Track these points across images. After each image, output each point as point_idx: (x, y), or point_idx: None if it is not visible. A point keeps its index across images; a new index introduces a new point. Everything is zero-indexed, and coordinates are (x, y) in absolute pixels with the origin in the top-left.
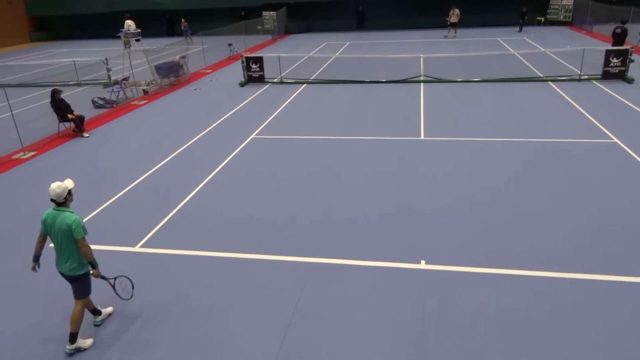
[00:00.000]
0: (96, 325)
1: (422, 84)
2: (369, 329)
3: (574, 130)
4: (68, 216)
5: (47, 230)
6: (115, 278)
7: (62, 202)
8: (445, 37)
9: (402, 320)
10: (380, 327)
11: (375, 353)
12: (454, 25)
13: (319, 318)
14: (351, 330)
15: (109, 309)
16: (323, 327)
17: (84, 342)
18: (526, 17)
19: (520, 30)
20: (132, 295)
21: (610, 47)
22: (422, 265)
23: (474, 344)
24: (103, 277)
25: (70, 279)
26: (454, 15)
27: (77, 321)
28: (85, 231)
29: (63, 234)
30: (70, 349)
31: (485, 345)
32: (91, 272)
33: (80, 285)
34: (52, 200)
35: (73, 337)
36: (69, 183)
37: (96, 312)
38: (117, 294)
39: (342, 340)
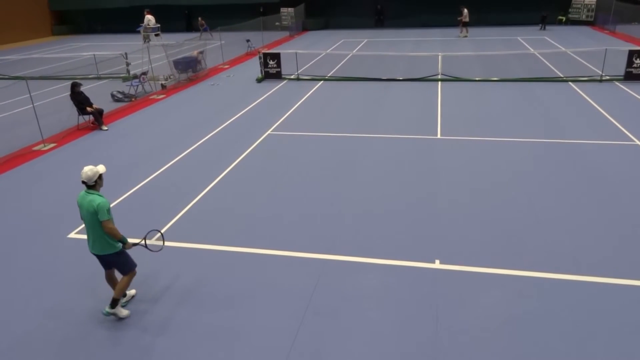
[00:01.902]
0: (122, 307)
1: (439, 82)
2: (381, 328)
3: (594, 132)
4: (94, 199)
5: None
6: (144, 237)
7: (92, 185)
8: (465, 36)
9: (415, 319)
10: (392, 326)
11: (387, 351)
12: (465, 25)
13: (332, 315)
14: (363, 328)
15: (132, 292)
16: (335, 324)
17: (122, 311)
18: (546, 19)
19: (544, 28)
20: (162, 248)
21: (633, 48)
22: (437, 264)
23: (488, 346)
24: (134, 245)
25: (105, 259)
26: (464, 16)
27: (120, 289)
28: (109, 214)
29: (90, 216)
30: (107, 312)
31: (499, 348)
32: (124, 248)
33: (119, 263)
34: (83, 182)
35: (114, 302)
36: (101, 168)
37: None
38: (150, 249)
39: (354, 337)
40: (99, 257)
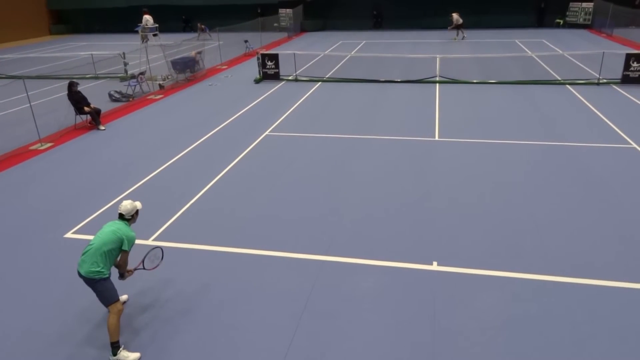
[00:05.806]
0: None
1: (437, 84)
2: (378, 329)
3: (592, 135)
4: (128, 230)
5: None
6: (142, 261)
7: (129, 218)
8: (464, 38)
9: (412, 321)
10: (389, 328)
11: (383, 353)
12: (460, 27)
13: (329, 316)
14: (360, 329)
15: (124, 297)
16: (332, 326)
17: (128, 355)
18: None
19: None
20: (157, 265)
21: (630, 51)
22: (434, 266)
23: (485, 348)
24: (132, 272)
25: (88, 281)
26: (456, 20)
27: (112, 330)
28: (130, 248)
29: (109, 238)
30: None
31: (496, 350)
32: (121, 278)
33: (100, 290)
34: (120, 214)
35: (114, 347)
36: (138, 204)
37: None
38: (146, 269)
39: (351, 339)
40: (83, 278)
